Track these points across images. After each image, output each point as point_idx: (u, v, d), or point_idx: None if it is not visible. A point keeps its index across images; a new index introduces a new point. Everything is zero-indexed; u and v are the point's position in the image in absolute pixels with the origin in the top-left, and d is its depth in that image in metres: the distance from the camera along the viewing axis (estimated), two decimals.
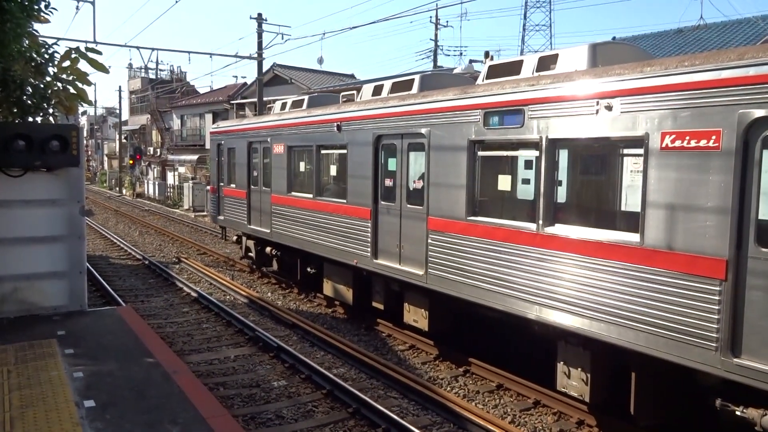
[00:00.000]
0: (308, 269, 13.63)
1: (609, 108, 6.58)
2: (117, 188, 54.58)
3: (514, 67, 8.59)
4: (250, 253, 16.63)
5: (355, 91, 12.92)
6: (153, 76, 55.34)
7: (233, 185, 16.74)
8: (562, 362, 7.60)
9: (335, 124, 11.59)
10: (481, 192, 8.64)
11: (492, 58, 10.37)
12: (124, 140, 59.52)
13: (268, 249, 15.44)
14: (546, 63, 8.20)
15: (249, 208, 15.73)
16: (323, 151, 12.46)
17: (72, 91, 8.97)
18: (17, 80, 8.56)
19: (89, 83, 9.20)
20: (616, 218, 7.26)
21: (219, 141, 17.70)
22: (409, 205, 9.85)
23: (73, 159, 8.85)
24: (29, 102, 8.98)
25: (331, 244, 11.88)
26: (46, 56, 8.93)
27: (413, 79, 10.70)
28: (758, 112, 5.35)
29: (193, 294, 14.23)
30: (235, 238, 18.36)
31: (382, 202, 10.49)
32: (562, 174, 7.63)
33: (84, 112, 70.66)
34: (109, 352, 7.46)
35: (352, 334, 11.52)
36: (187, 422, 5.61)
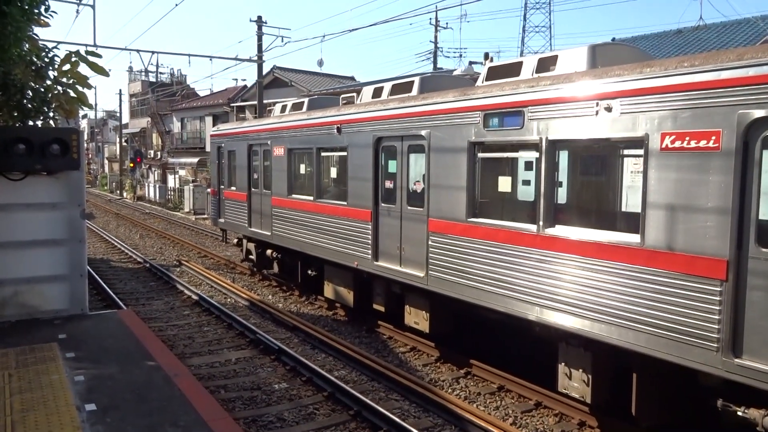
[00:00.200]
0: (309, 272, 13.62)
1: (609, 109, 6.58)
2: (117, 191, 54.62)
3: (513, 69, 8.59)
4: (250, 256, 16.62)
5: (355, 94, 12.93)
6: (153, 79, 55.36)
7: (234, 188, 16.75)
8: (563, 363, 7.59)
9: (335, 126, 11.60)
10: (482, 193, 8.64)
11: (492, 60, 10.38)
12: (124, 143, 59.56)
13: (268, 251, 15.43)
14: (546, 64, 8.21)
15: (249, 210, 15.73)
16: (323, 154, 12.47)
17: (72, 94, 8.98)
18: (18, 84, 8.57)
19: (89, 86, 9.21)
20: (617, 219, 7.26)
21: (219, 144, 17.71)
22: (409, 207, 9.85)
23: (73, 162, 8.86)
24: (30, 105, 8.99)
25: (331, 247, 11.88)
26: (47, 60, 8.95)
27: (413, 81, 10.71)
28: (758, 113, 5.35)
29: (194, 297, 14.23)
30: (235, 240, 18.37)
31: (383, 204, 10.49)
32: (563, 175, 7.63)
33: (84, 116, 70.70)
34: (110, 356, 7.45)
35: (353, 336, 11.51)
36: (188, 425, 5.61)
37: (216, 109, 43.26)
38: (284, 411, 7.92)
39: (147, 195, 46.31)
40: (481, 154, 8.51)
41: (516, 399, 8.59)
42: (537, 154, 7.53)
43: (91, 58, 8.94)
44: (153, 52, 25.16)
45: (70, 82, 8.90)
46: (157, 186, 45.54)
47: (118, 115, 61.53)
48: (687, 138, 5.87)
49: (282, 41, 26.70)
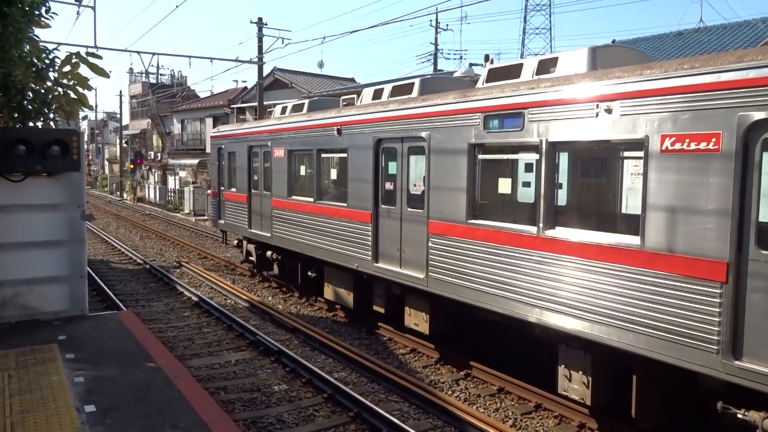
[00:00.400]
0: (309, 273, 13.62)
1: (609, 111, 6.59)
2: (118, 193, 54.63)
3: (513, 71, 8.60)
4: (250, 257, 16.62)
5: (355, 95, 12.95)
6: (153, 81, 55.23)
7: (234, 189, 16.75)
8: (563, 365, 7.59)
9: (335, 127, 11.60)
10: (482, 195, 8.65)
11: (492, 62, 10.40)
12: (124, 145, 59.59)
13: (268, 253, 15.43)
14: (546, 66, 8.21)
15: (250, 212, 15.74)
16: (324, 155, 12.47)
17: (73, 95, 9.00)
18: (18, 85, 8.59)
19: (90, 88, 9.22)
20: (617, 221, 7.26)
21: (219, 145, 17.71)
22: (409, 209, 9.85)
23: (73, 164, 8.86)
24: (30, 107, 9.01)
25: (331, 248, 11.88)
26: (47, 61, 8.97)
27: (413, 83, 10.72)
28: (758, 115, 5.35)
29: (194, 298, 14.23)
30: (235, 242, 18.38)
31: (383, 206, 10.49)
32: (563, 177, 7.63)
33: (85, 117, 70.65)
34: (110, 357, 7.45)
35: (352, 337, 11.51)
36: (188, 427, 5.61)
37: (216, 110, 43.27)
38: (284, 412, 7.91)
39: (147, 196, 46.32)
40: (481, 156, 8.51)
41: (516, 401, 8.58)
42: (537, 156, 7.53)
43: (91, 60, 8.96)
44: (153, 54, 25.16)
45: (71, 83, 8.92)
46: (158, 187, 45.56)
47: (118, 116, 61.58)
48: (687, 140, 5.87)
49: (282, 43, 26.73)
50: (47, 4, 8.47)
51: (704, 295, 5.73)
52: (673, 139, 5.98)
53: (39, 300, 8.98)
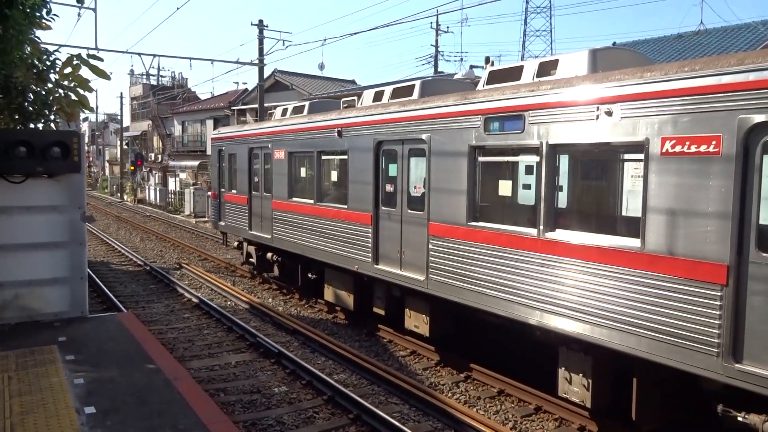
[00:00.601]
0: (309, 275, 13.62)
1: (609, 113, 6.59)
2: (118, 194, 54.65)
3: (514, 73, 8.61)
4: (251, 259, 16.62)
5: (355, 97, 12.95)
6: (154, 83, 55.48)
7: (234, 191, 16.76)
8: (563, 368, 7.58)
9: (336, 129, 11.61)
10: (482, 197, 8.65)
11: (492, 64, 10.41)
12: (125, 146, 59.62)
13: (269, 255, 15.44)
14: (546, 68, 8.22)
15: (250, 213, 15.74)
16: (324, 157, 12.48)
17: (73, 97, 9.01)
18: (19, 87, 8.60)
19: (90, 90, 9.24)
20: (617, 223, 7.26)
21: (220, 147, 17.72)
22: (410, 211, 9.85)
23: (74, 165, 8.87)
24: (31, 108, 9.02)
25: (332, 250, 11.88)
26: (48, 63, 8.98)
27: (414, 85, 10.73)
28: (758, 117, 5.35)
29: (194, 300, 14.23)
30: (236, 243, 18.39)
31: (383, 208, 10.49)
32: (563, 179, 7.63)
33: (85, 119, 70.80)
34: (110, 359, 7.45)
35: (353, 339, 11.50)
36: (188, 428, 5.60)
37: (217, 112, 43.29)
38: (284, 414, 7.91)
39: (147, 198, 46.34)
40: (481, 158, 8.51)
41: (516, 403, 8.57)
42: (537, 158, 7.53)
43: (92, 62, 8.97)
44: (154, 56, 25.29)
45: (72, 85, 8.93)
46: (158, 189, 45.58)
47: (119, 118, 61.63)
48: (687, 143, 5.87)
49: (283, 45, 26.79)
50: (48, 6, 8.50)
51: (705, 298, 5.73)
52: (674, 141, 5.98)
53: (39, 301, 8.98)
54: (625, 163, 7.20)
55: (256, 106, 29.64)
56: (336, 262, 11.83)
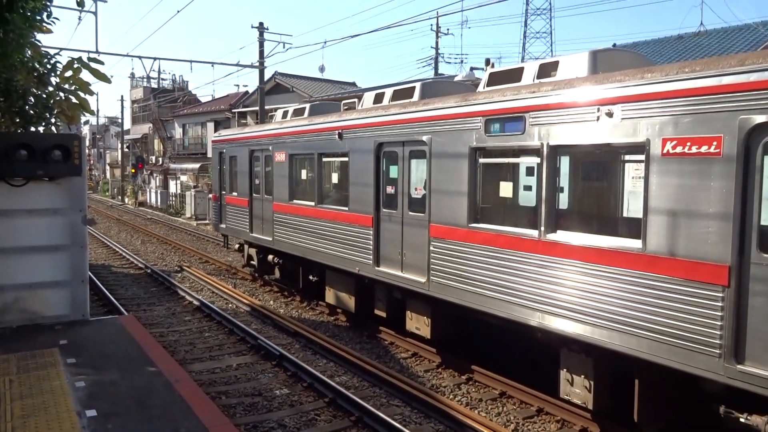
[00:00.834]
0: (310, 277, 13.62)
1: (610, 114, 6.59)
2: (119, 197, 54.68)
3: (514, 75, 8.61)
4: (252, 261, 16.62)
5: (356, 99, 12.96)
6: (155, 86, 55.56)
7: (235, 193, 16.76)
8: (565, 369, 7.57)
9: (336, 131, 11.61)
10: (483, 199, 8.64)
11: (493, 66, 10.38)
12: (126, 149, 59.69)
13: (270, 257, 15.44)
14: (547, 70, 8.22)
15: (251, 216, 15.75)
16: (325, 159, 12.48)
17: (74, 100, 9.03)
18: (20, 90, 8.62)
19: (91, 93, 9.25)
20: (618, 224, 7.25)
21: (221, 149, 17.74)
22: (410, 213, 9.85)
23: (75, 168, 8.88)
24: (32, 112, 9.04)
25: (333, 252, 11.87)
26: (49, 66, 9.00)
27: (414, 87, 10.73)
28: (759, 118, 5.35)
29: (196, 302, 14.23)
30: (237, 246, 18.38)
31: (384, 210, 10.49)
32: (564, 180, 7.63)
33: (86, 122, 70.93)
34: (111, 362, 7.45)
35: (354, 342, 11.49)
36: (189, 431, 5.60)
37: (218, 114, 43.33)
38: (285, 417, 7.90)
39: (148, 201, 46.35)
40: (482, 160, 8.51)
41: (518, 405, 8.56)
42: (538, 160, 7.53)
43: (93, 65, 8.99)
44: (155, 59, 25.18)
45: (72, 88, 8.95)
46: (159, 192, 45.59)
47: (119, 121, 61.67)
48: (688, 143, 5.87)
49: (284, 47, 26.78)
50: (49, 10, 8.51)
51: (706, 299, 5.72)
52: (675, 142, 5.98)
53: (40, 304, 8.99)
54: (626, 164, 7.19)
55: (257, 108, 29.66)
56: (337, 264, 11.83)
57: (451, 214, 8.86)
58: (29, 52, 8.70)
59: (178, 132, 50.00)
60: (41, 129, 9.46)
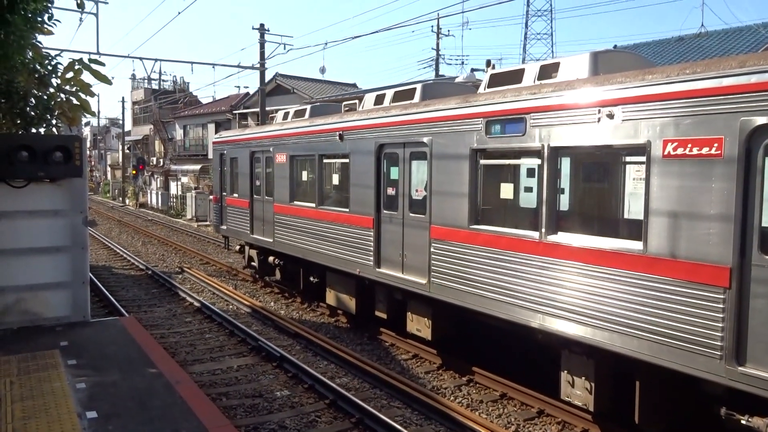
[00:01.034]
0: (311, 278, 13.62)
1: (611, 116, 6.58)
2: (120, 198, 54.72)
3: (515, 76, 8.61)
4: (252, 263, 16.62)
5: (357, 101, 12.96)
6: (156, 87, 55.63)
7: (236, 195, 16.77)
8: (566, 371, 7.56)
9: (337, 133, 11.61)
10: (484, 200, 8.64)
11: (493, 67, 10.37)
12: (127, 150, 59.74)
13: (270, 258, 15.44)
14: (547, 71, 8.22)
15: (252, 217, 15.75)
16: (325, 161, 12.48)
17: (75, 102, 9.04)
18: (21, 91, 8.63)
19: (92, 94, 9.27)
20: (619, 226, 7.25)
21: (222, 151, 17.75)
22: (411, 214, 9.85)
23: (76, 169, 8.89)
24: (33, 113, 9.06)
25: (333, 254, 11.87)
26: (50, 67, 9.02)
27: (415, 88, 10.73)
28: (760, 120, 5.35)
29: (196, 304, 14.23)
30: (238, 247, 18.38)
31: (385, 211, 10.49)
32: (565, 182, 7.63)
33: (87, 123, 71.04)
34: (112, 363, 7.45)
35: (355, 343, 11.49)
36: None
37: (218, 116, 43.37)
38: (286, 419, 7.89)
39: (149, 202, 46.37)
40: (483, 161, 8.51)
41: (518, 407, 8.55)
42: (539, 161, 7.52)
43: (94, 66, 9.01)
44: (156, 60, 25.22)
45: (73, 89, 8.97)
46: (160, 193, 45.62)
47: (120, 122, 61.74)
48: (689, 145, 5.86)
49: (284, 49, 26.80)
50: (50, 11, 8.52)
51: (707, 301, 5.72)
52: (675, 144, 5.97)
53: (41, 306, 8.99)
54: (627, 166, 7.20)
55: (258, 109, 29.69)
56: (338, 265, 11.83)
57: (451, 216, 8.86)
58: (30, 53, 8.71)
59: (179, 133, 50.04)
60: (42, 130, 9.47)
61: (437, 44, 36.71)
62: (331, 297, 12.72)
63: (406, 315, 10.48)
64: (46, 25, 8.62)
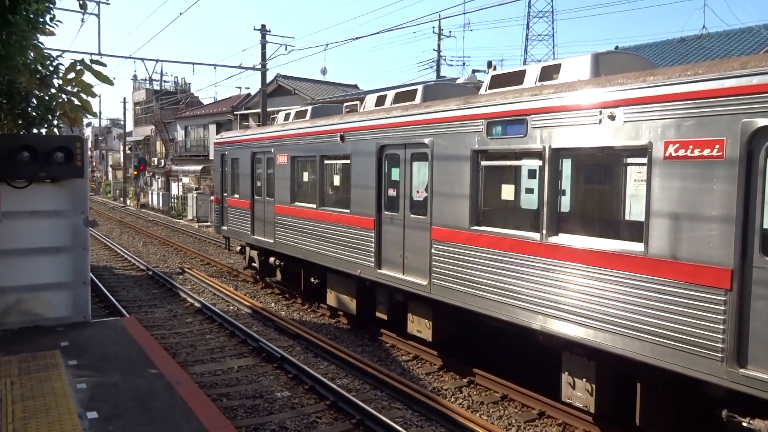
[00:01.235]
0: (312, 279, 13.62)
1: (612, 117, 6.58)
2: (121, 199, 54.76)
3: (516, 77, 8.60)
4: (253, 264, 16.62)
5: (358, 102, 12.96)
6: (157, 88, 55.70)
7: (237, 195, 16.77)
8: (566, 373, 7.56)
9: (338, 134, 11.61)
10: (485, 202, 8.64)
11: (495, 68, 10.39)
12: (128, 151, 59.79)
13: (271, 259, 15.44)
14: (549, 73, 8.21)
15: (253, 218, 15.75)
16: (326, 162, 12.49)
17: (76, 102, 9.05)
18: (22, 92, 8.64)
19: (94, 95, 9.27)
20: (620, 227, 7.24)
21: (223, 151, 17.76)
22: (412, 215, 9.84)
23: (77, 170, 8.90)
24: (34, 114, 9.06)
25: (334, 254, 11.87)
26: (51, 68, 9.02)
27: (416, 90, 10.73)
28: (761, 121, 5.34)
29: (197, 304, 14.23)
30: (238, 248, 18.38)
31: (386, 212, 10.49)
32: (566, 183, 7.62)
33: (88, 124, 71.16)
34: (113, 364, 7.45)
35: (355, 344, 11.48)
36: None
37: (220, 117, 43.40)
38: (286, 419, 7.89)
39: (150, 203, 46.40)
40: (484, 162, 8.51)
41: (519, 408, 8.54)
42: (540, 163, 7.52)
43: (95, 67, 9.01)
44: (157, 61, 25.27)
45: (75, 90, 8.97)
46: (161, 194, 45.65)
47: (122, 123, 61.82)
48: (690, 146, 5.86)
49: (286, 50, 26.81)
50: (52, 12, 8.53)
51: (708, 303, 5.71)
52: (677, 145, 5.97)
53: (42, 306, 9.00)
54: (628, 167, 7.19)
55: (259, 110, 29.70)
56: (338, 266, 11.82)
57: (452, 217, 8.86)
58: (32, 54, 8.72)
59: (180, 134, 50.08)
60: (44, 131, 9.48)
61: (438, 45, 36.71)
62: (331, 298, 12.72)
63: (406, 316, 10.47)
64: (47, 26, 8.63)
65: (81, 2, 9.42)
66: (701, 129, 5.78)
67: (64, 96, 9.02)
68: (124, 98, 57.35)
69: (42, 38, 8.99)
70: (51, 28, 8.75)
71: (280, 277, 15.42)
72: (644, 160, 6.32)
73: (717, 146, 5.65)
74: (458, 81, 14.70)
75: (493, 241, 8.16)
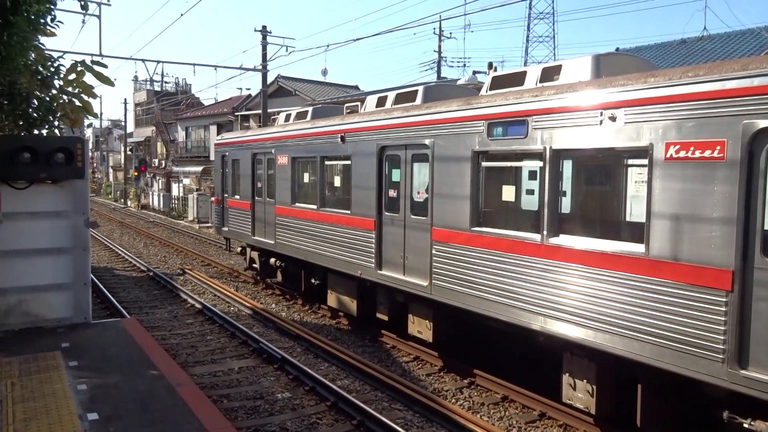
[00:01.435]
0: (312, 280, 13.61)
1: (613, 118, 6.58)
2: (122, 200, 54.79)
3: (517, 78, 8.60)
4: (254, 265, 16.63)
5: (358, 103, 12.96)
6: (158, 89, 55.69)
7: (237, 196, 16.78)
8: (567, 374, 7.55)
9: (339, 135, 11.62)
10: (485, 203, 8.64)
11: (495, 69, 10.40)
12: (129, 152, 59.82)
13: (272, 260, 15.44)
14: (550, 74, 8.21)
15: (253, 219, 15.75)
16: (327, 163, 12.49)
17: (77, 103, 9.05)
18: (23, 93, 8.64)
19: (94, 96, 9.28)
20: (621, 229, 7.24)
21: (223, 152, 17.76)
22: (413, 216, 9.84)
23: (78, 171, 8.90)
24: (35, 115, 9.07)
25: (335, 255, 11.87)
26: (52, 69, 9.02)
27: (417, 91, 10.73)
28: (762, 123, 5.34)
29: (198, 305, 14.23)
30: (239, 249, 18.39)
31: (386, 213, 10.49)
32: (566, 184, 7.62)
33: (89, 125, 71.17)
34: (113, 365, 7.45)
35: (356, 345, 11.48)
36: None
37: (220, 118, 43.41)
38: (287, 421, 7.89)
39: (151, 203, 46.41)
40: (484, 163, 8.51)
41: (520, 409, 8.54)
42: (541, 164, 7.52)
43: (96, 68, 9.02)
44: (158, 62, 25.32)
45: (76, 91, 8.98)
46: (161, 195, 45.66)
47: (122, 124, 61.86)
48: (691, 148, 5.86)
49: (286, 51, 26.82)
50: (53, 13, 8.53)
51: (710, 304, 5.70)
52: (678, 146, 5.97)
53: (43, 307, 9.00)
54: (629, 169, 7.18)
55: (260, 111, 29.71)
56: (339, 267, 11.82)
57: (453, 218, 8.86)
58: (33, 55, 8.72)
59: (181, 135, 50.10)
60: (44, 132, 9.48)
61: (439, 46, 36.76)
62: (332, 299, 12.72)
63: (407, 317, 10.47)
64: (48, 27, 8.63)
65: (82, 3, 9.43)
66: (702, 130, 5.77)
67: (65, 97, 9.03)
68: (125, 99, 57.46)
69: (43, 39, 8.99)
70: (52, 29, 8.75)
71: (281, 278, 15.42)
72: (645, 162, 6.32)
73: (718, 148, 5.65)
74: (459, 82, 14.72)
75: (494, 242, 8.16)
